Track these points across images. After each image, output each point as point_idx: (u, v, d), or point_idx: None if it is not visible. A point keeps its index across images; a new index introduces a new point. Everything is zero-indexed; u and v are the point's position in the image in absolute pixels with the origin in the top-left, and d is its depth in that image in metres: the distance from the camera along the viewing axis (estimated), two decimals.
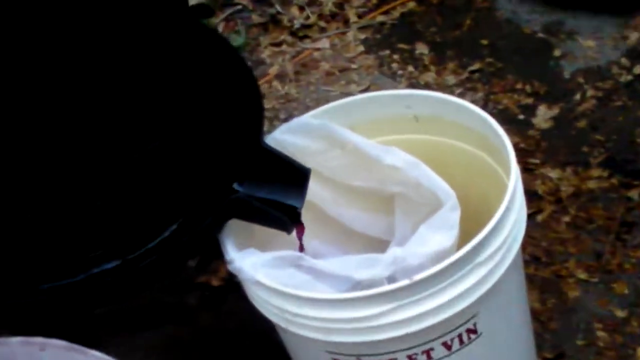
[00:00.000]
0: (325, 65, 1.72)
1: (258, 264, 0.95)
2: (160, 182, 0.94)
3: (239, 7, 1.86)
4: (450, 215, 0.96)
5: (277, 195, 0.98)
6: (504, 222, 0.92)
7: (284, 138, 1.06)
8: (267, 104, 1.65)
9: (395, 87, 1.64)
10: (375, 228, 1.13)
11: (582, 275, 1.32)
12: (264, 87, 1.69)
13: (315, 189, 1.08)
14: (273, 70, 1.73)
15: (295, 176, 1.00)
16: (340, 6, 1.84)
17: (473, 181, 1.06)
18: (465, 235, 0.94)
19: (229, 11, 1.86)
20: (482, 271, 0.90)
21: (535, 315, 1.25)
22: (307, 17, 1.82)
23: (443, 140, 1.07)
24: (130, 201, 0.93)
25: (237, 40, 1.78)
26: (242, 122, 1.01)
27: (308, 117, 1.07)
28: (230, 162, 0.98)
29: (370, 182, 1.08)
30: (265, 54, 1.78)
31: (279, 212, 0.97)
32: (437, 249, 0.93)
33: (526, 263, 1.28)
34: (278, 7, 1.83)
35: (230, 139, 0.99)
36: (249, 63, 1.73)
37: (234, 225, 1.00)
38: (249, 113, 1.02)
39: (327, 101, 1.60)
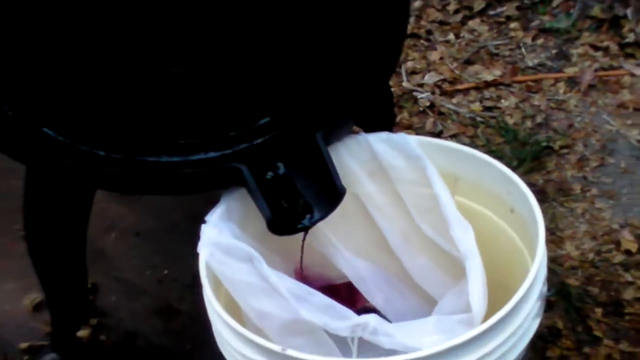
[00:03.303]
0: (625, 95, 1.51)
1: (212, 241, 0.87)
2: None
3: None
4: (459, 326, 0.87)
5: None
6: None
7: (379, 147, 0.99)
8: (536, 101, 1.50)
9: None
10: (436, 285, 1.02)
11: None
12: (546, 82, 1.51)
13: (390, 215, 1.01)
14: (570, 71, 1.55)
15: (327, 189, 0.92)
16: None
17: None
18: None
19: None
20: None
21: None
22: None
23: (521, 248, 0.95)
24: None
25: (560, 21, 1.60)
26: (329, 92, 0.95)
27: (413, 141, 0.98)
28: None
29: (445, 244, 0.99)
30: (577, 50, 1.59)
31: (266, 206, 0.89)
32: (415, 345, 0.83)
33: None
34: (628, 11, 1.59)
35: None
36: (554, 50, 1.56)
37: None
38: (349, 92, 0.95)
39: (596, 131, 1.43)
